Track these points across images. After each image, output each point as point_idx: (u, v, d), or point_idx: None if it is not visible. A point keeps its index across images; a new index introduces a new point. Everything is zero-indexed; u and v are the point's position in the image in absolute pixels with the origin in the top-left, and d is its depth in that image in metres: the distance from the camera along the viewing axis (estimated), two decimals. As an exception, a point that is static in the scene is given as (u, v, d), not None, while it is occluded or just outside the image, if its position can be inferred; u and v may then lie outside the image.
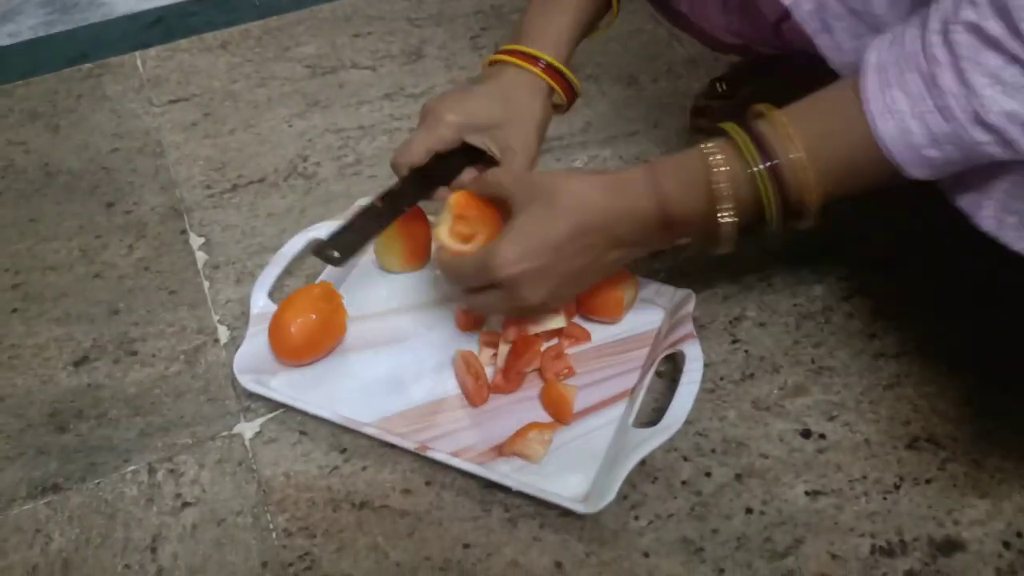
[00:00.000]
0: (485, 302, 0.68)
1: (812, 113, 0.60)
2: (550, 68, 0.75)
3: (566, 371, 0.74)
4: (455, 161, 0.75)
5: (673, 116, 1.01)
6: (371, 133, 1.01)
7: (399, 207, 0.74)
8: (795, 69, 0.92)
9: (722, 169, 0.61)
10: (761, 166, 0.59)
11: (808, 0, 0.65)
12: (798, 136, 0.59)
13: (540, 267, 0.63)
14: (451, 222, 0.69)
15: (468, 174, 0.76)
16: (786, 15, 0.78)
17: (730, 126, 0.62)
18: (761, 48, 0.85)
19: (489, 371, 0.75)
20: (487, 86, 0.75)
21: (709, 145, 0.62)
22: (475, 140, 0.74)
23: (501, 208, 0.68)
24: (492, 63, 0.77)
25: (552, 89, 0.76)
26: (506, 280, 0.63)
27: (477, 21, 1.18)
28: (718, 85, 0.99)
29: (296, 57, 1.13)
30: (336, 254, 0.70)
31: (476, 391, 0.72)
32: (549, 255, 0.63)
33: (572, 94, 0.78)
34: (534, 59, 0.75)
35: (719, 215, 0.61)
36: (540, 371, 0.74)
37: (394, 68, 1.11)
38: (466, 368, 0.74)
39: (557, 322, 0.73)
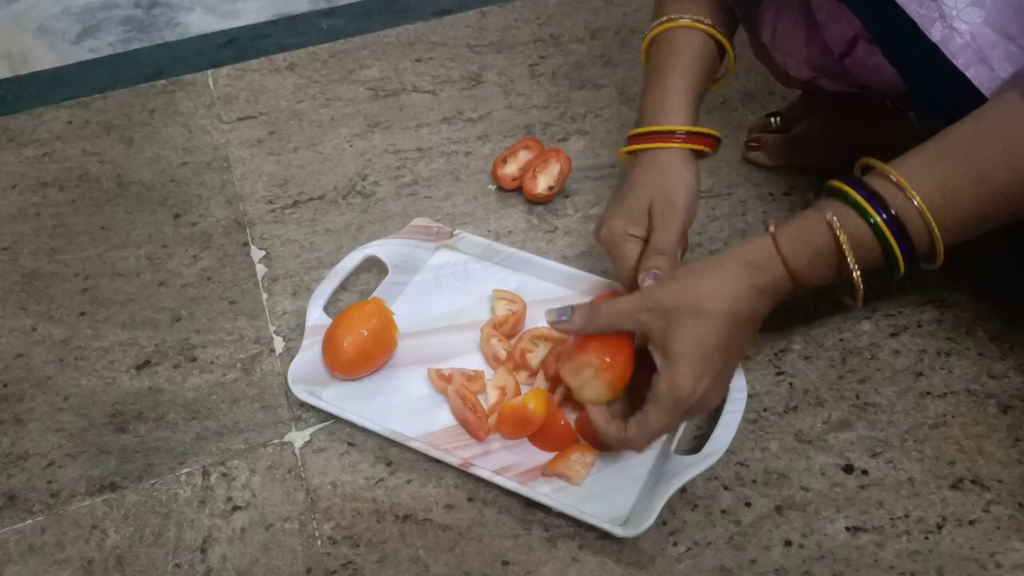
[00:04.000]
0: (664, 429, 0.67)
1: (924, 157, 0.62)
2: (688, 135, 0.75)
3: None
4: None
5: (726, 147, 1.01)
6: (429, 155, 1.04)
7: None
8: (850, 108, 0.92)
9: (844, 231, 0.62)
10: (878, 218, 0.61)
11: (960, 35, 0.64)
12: (912, 182, 0.61)
13: (715, 374, 0.64)
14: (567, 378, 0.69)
15: None
16: (849, 50, 0.79)
17: (839, 185, 0.64)
18: (830, 82, 0.86)
19: (525, 389, 0.76)
20: (635, 183, 0.75)
21: (825, 209, 0.63)
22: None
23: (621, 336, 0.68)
24: (630, 152, 0.78)
25: (695, 152, 0.76)
26: (694, 406, 0.64)
27: (536, 49, 1.20)
28: (772, 120, 0.99)
29: (360, 79, 1.17)
30: None
31: (477, 424, 0.73)
32: (718, 359, 0.64)
33: (715, 143, 0.78)
34: (669, 135, 0.75)
35: (854, 273, 0.63)
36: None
37: (453, 93, 1.13)
38: (463, 403, 0.74)
39: (602, 395, 0.70)
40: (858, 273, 0.63)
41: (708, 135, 0.77)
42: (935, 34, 0.64)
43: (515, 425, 0.72)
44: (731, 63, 0.81)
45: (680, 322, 0.63)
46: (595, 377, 0.67)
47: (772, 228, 0.65)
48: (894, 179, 0.61)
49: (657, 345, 0.64)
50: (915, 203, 0.60)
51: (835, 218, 0.62)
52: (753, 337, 0.67)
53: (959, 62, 0.63)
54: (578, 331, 0.68)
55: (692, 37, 0.78)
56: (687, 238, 0.76)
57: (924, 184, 0.61)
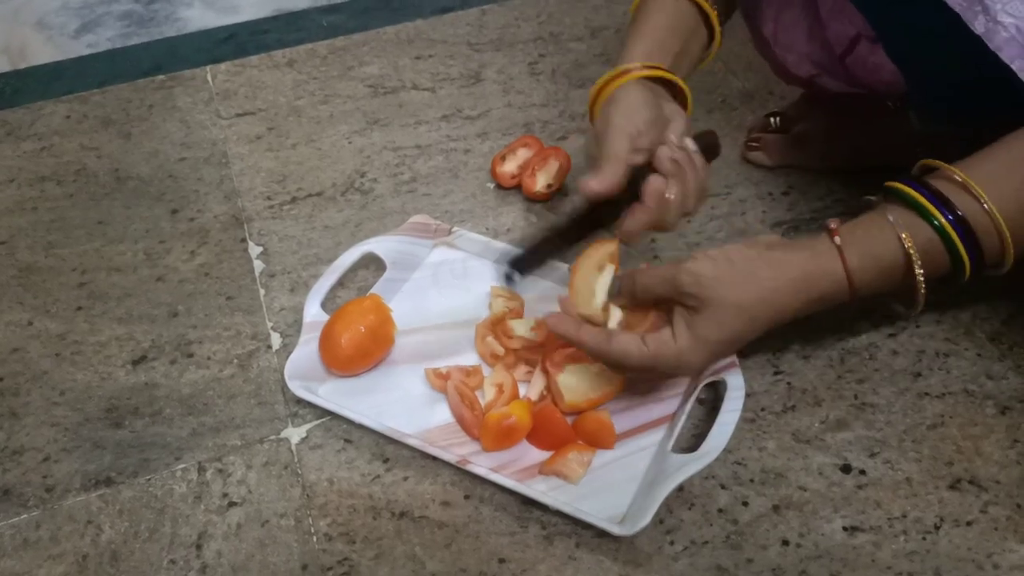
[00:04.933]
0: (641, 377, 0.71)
1: (996, 162, 0.61)
2: (641, 68, 0.75)
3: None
4: (617, 205, 0.74)
5: (726, 147, 1.00)
6: (427, 152, 1.04)
7: (580, 234, 0.75)
8: (850, 108, 0.92)
9: (915, 244, 0.61)
10: (943, 219, 0.60)
11: (1005, 28, 0.62)
12: (982, 185, 0.60)
13: (719, 359, 0.66)
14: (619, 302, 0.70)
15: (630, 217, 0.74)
16: (851, 49, 0.79)
17: (900, 187, 0.63)
18: (831, 80, 0.86)
19: (522, 388, 0.76)
20: (621, 103, 0.74)
21: (888, 213, 0.62)
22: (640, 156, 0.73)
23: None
24: (597, 95, 0.78)
25: (652, 80, 0.76)
26: (683, 377, 0.67)
27: (536, 47, 1.20)
28: (772, 120, 0.99)
29: (359, 76, 1.16)
30: (517, 275, 0.74)
31: (473, 422, 0.73)
32: (731, 349, 0.66)
33: (678, 90, 0.77)
34: (623, 72, 0.76)
35: (920, 287, 0.62)
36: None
37: (453, 90, 1.13)
38: (460, 400, 0.74)
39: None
40: (923, 285, 0.62)
41: (657, 66, 0.76)
42: (978, 27, 0.62)
43: (500, 435, 0.71)
44: (718, 39, 0.80)
45: (720, 310, 0.63)
46: None
47: (837, 238, 0.64)
48: (959, 179, 0.60)
49: (684, 316, 0.64)
50: (984, 205, 0.59)
51: (906, 233, 0.61)
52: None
53: (1004, 55, 0.62)
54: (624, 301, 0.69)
55: (677, 4, 0.78)
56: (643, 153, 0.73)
57: (998, 189, 0.60)
